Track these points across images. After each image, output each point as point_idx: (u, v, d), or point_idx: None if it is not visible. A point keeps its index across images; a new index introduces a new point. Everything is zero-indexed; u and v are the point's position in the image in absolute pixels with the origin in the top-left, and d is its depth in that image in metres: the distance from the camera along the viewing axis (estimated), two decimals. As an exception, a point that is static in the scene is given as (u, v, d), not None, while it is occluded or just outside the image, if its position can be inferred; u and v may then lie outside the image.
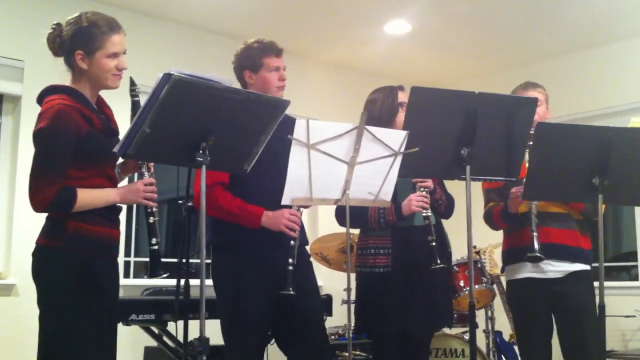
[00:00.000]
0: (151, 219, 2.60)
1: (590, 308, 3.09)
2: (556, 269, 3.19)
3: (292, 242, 2.87)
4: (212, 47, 5.42)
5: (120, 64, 2.56)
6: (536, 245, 3.01)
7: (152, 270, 2.61)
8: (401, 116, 3.21)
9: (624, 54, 5.72)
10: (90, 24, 2.51)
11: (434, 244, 3.10)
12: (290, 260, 2.84)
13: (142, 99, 2.32)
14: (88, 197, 2.45)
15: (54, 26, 2.55)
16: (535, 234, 3.03)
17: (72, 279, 2.44)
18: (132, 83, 2.65)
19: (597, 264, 2.84)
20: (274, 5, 5.12)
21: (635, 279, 5.72)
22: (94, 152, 2.49)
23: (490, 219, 3.35)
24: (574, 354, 3.18)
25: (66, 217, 2.45)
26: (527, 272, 3.24)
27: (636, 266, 5.72)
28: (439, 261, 3.08)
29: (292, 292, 2.80)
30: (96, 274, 2.50)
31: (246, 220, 2.87)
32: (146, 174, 2.61)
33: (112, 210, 2.57)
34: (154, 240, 2.59)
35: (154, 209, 2.60)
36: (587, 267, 3.22)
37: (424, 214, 3.15)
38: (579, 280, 3.17)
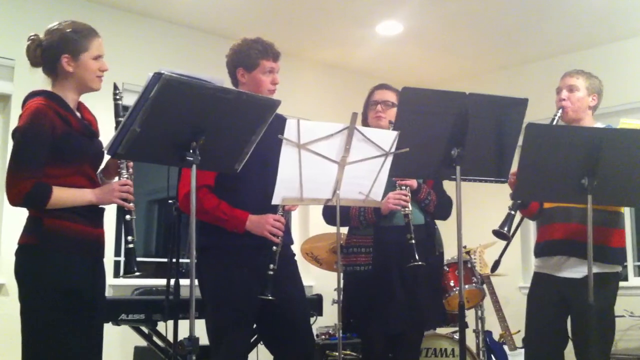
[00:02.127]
0: (128, 217, 2.66)
1: (605, 311, 3.06)
2: (573, 268, 3.14)
3: (274, 247, 2.87)
4: (204, 47, 5.41)
5: (103, 66, 2.68)
6: (507, 223, 3.12)
7: (127, 267, 2.66)
8: (371, 114, 3.34)
9: (612, 56, 5.74)
10: (73, 30, 2.63)
11: (413, 241, 3.09)
12: (271, 265, 2.84)
13: (133, 99, 2.32)
14: (64, 195, 2.52)
15: (32, 37, 2.65)
16: (512, 212, 3.13)
17: (48, 276, 2.50)
18: (116, 87, 2.76)
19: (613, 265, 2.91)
20: (266, 5, 5.12)
21: (625, 279, 5.75)
22: (70, 150, 2.56)
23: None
24: (578, 354, 3.18)
25: (43, 215, 2.52)
26: (544, 267, 3.25)
27: (626, 266, 5.75)
28: (417, 257, 3.07)
29: (270, 298, 2.81)
30: (72, 271, 2.54)
31: (231, 225, 2.87)
32: (125, 173, 2.67)
33: (92, 210, 2.62)
34: (129, 238, 2.65)
35: (132, 208, 2.66)
36: (605, 270, 3.11)
37: (404, 212, 3.14)
38: (597, 282, 2.95)
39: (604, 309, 3.06)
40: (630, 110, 5.41)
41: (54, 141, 2.51)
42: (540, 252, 3.30)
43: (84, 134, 2.63)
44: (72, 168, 2.57)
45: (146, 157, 2.50)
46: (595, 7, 5.10)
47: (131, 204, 2.65)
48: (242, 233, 2.87)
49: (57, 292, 2.49)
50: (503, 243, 3.74)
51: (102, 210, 2.70)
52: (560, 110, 3.23)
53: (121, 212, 2.71)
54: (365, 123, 3.34)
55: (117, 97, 2.74)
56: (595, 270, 3.05)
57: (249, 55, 2.98)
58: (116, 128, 2.62)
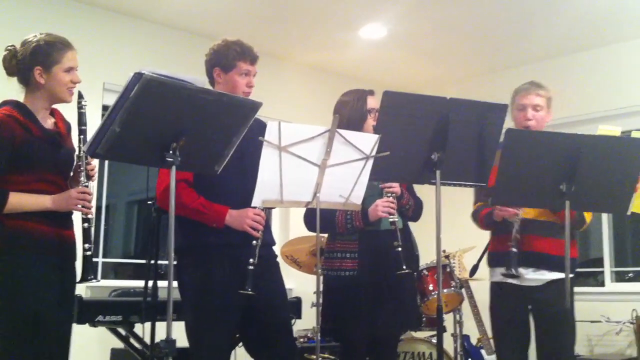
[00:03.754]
0: (85, 225, 2.71)
1: (568, 315, 3.09)
2: (535, 277, 3.20)
3: (254, 242, 2.85)
4: (188, 48, 5.37)
5: (75, 78, 2.74)
6: (513, 263, 3.05)
7: (83, 274, 2.70)
8: (369, 122, 3.24)
9: (593, 63, 5.81)
10: (46, 42, 2.68)
11: (399, 249, 3.10)
12: (251, 260, 2.81)
13: (114, 98, 2.31)
14: (21, 200, 2.59)
15: (9, 47, 2.73)
16: (515, 250, 3.06)
17: (10, 275, 2.56)
18: (80, 96, 2.80)
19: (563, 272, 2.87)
20: (250, 7, 5.11)
21: (602, 284, 5.81)
22: (30, 158, 2.62)
23: (477, 220, 3.38)
24: (541, 354, 3.22)
25: (4, 217, 2.58)
26: (506, 277, 3.24)
27: (602, 272, 5.81)
28: (404, 267, 3.08)
29: (250, 292, 2.78)
30: (34, 270, 2.59)
31: (210, 218, 2.86)
32: (84, 180, 2.71)
33: (51, 213, 2.66)
34: (86, 246, 2.69)
35: (89, 216, 2.71)
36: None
37: (391, 219, 3.15)
38: (557, 287, 3.13)
39: (567, 310, 3.09)
40: (609, 117, 5.47)
41: (13, 149, 2.58)
42: (499, 262, 3.27)
43: (47, 142, 2.68)
44: (33, 175, 2.63)
45: (126, 157, 2.49)
46: (578, 13, 5.15)
47: (89, 210, 2.70)
48: (222, 228, 2.86)
49: (20, 292, 2.55)
50: (482, 248, 3.75)
51: (68, 212, 2.75)
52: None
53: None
54: (354, 125, 3.17)
55: (81, 105, 2.79)
56: (555, 277, 3.18)
57: (227, 56, 2.98)
58: (79, 136, 2.72)
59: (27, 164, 2.62)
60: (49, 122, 2.76)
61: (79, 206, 2.67)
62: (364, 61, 6.15)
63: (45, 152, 2.67)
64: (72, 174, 2.80)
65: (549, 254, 3.19)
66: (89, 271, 2.69)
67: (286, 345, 3.02)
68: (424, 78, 6.51)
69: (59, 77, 2.69)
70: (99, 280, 2.78)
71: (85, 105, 2.81)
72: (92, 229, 2.72)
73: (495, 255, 3.33)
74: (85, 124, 2.75)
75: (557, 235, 3.18)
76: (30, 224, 2.60)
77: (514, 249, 3.08)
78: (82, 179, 2.71)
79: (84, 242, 2.69)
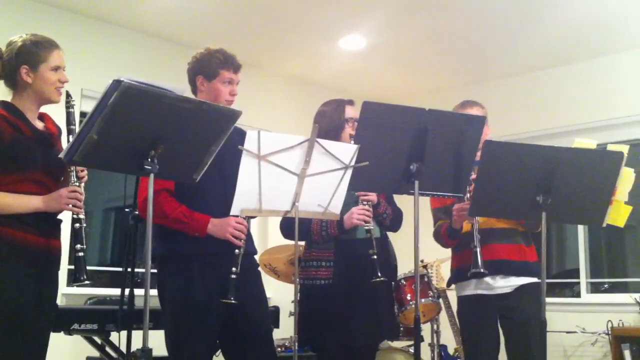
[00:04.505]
0: (77, 225, 2.66)
1: (537, 321, 3.13)
2: (504, 284, 3.24)
3: (236, 250, 2.84)
4: (168, 56, 5.37)
5: (62, 78, 2.70)
6: (479, 262, 3.06)
7: (75, 275, 2.66)
8: (347, 131, 3.26)
9: (569, 77, 5.87)
10: (32, 41, 2.66)
11: (375, 257, 3.11)
12: (233, 269, 2.81)
13: (91, 105, 2.30)
14: (9, 200, 2.53)
15: None
16: (477, 249, 3.08)
17: None
18: (68, 95, 2.77)
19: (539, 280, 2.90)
20: (230, 16, 5.11)
21: (578, 295, 5.86)
22: (18, 157, 2.58)
23: (439, 237, 3.41)
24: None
25: None
26: (475, 289, 3.29)
27: (578, 283, 5.86)
28: (379, 274, 3.09)
29: (233, 301, 2.77)
30: (11, 278, 2.53)
31: (192, 228, 2.84)
32: (75, 181, 2.67)
33: (43, 219, 2.62)
34: (78, 247, 2.65)
35: (81, 216, 2.66)
36: (534, 279, 3.25)
37: (366, 227, 3.16)
38: (526, 293, 3.21)
39: (538, 315, 3.12)
40: (585, 130, 5.52)
41: (1, 148, 2.53)
42: (465, 275, 3.27)
43: (37, 141, 2.64)
44: (21, 175, 2.58)
45: (103, 164, 2.48)
46: (555, 28, 5.21)
47: (80, 210, 2.65)
48: (204, 238, 2.85)
49: None
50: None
51: (57, 220, 2.71)
52: None
53: (74, 219, 2.69)
54: (331, 134, 3.18)
55: (69, 105, 2.76)
56: (525, 281, 3.24)
57: (210, 65, 2.98)
58: (68, 136, 2.68)
59: (14, 163, 2.56)
60: (39, 125, 2.72)
61: (70, 205, 2.61)
62: (343, 72, 6.17)
63: (35, 151, 2.62)
64: (63, 177, 2.75)
65: (511, 259, 3.24)
66: (82, 272, 2.64)
67: (266, 354, 3.01)
68: (403, 89, 6.54)
69: (46, 76, 2.65)
70: (90, 282, 2.73)
71: (73, 104, 2.77)
72: (84, 229, 2.67)
73: (459, 271, 3.35)
74: (73, 124, 2.72)
75: (514, 241, 3.27)
76: (12, 231, 2.54)
77: (477, 249, 3.09)
78: (72, 179, 2.66)
79: (76, 242, 2.64)
